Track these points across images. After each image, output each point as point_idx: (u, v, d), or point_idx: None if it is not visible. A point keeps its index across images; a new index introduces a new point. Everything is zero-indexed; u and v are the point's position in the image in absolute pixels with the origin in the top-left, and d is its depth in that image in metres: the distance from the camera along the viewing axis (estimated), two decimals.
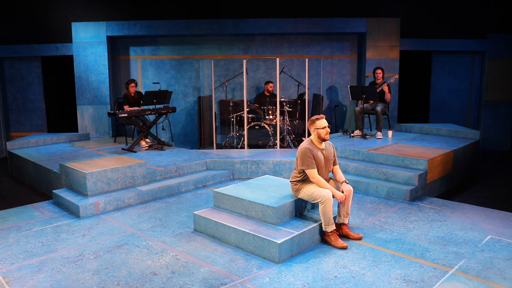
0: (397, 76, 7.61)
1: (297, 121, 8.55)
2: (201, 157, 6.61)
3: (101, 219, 4.69)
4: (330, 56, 9.47)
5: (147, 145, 7.31)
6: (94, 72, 9.11)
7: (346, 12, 9.00)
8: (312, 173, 3.90)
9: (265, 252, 3.62)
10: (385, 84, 7.37)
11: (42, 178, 6.31)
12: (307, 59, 7.69)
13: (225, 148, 8.12)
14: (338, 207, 4.06)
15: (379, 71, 7.50)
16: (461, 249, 3.78)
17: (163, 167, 5.97)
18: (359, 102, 7.53)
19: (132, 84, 7.55)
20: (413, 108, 9.67)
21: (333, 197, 3.87)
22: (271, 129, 8.00)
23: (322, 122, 3.96)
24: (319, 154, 3.97)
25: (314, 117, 4.00)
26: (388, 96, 7.48)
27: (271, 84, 8.55)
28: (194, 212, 4.31)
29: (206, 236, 4.13)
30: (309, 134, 4.08)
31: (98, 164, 5.46)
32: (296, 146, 7.71)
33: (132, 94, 7.60)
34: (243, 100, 7.81)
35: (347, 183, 4.03)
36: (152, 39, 9.49)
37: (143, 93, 7.34)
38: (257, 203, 4.00)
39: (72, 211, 4.87)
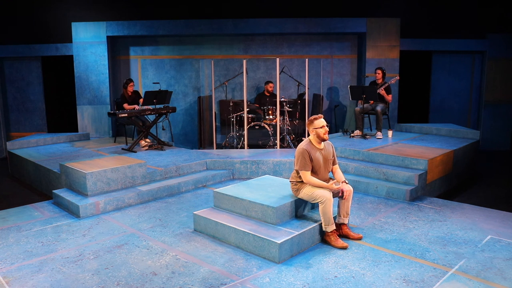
0: (397, 77, 7.60)
1: (297, 121, 8.55)
2: (201, 157, 6.61)
3: (101, 219, 4.69)
4: (330, 56, 9.47)
5: (147, 145, 7.31)
6: (94, 72, 9.11)
7: (346, 12, 9.00)
8: (305, 174, 3.90)
9: (265, 252, 3.62)
10: (382, 88, 7.35)
11: (42, 178, 6.31)
12: (307, 59, 7.69)
13: (225, 148, 8.12)
14: (338, 207, 4.06)
15: (379, 71, 7.50)
16: (461, 249, 3.78)
17: (163, 167, 5.97)
18: (359, 102, 7.53)
19: (131, 84, 7.60)
20: (413, 108, 9.67)
21: (333, 196, 3.87)
22: (271, 129, 8.00)
23: (321, 121, 3.96)
24: (318, 155, 3.97)
25: (312, 117, 4.00)
26: (388, 98, 7.46)
27: (271, 84, 8.55)
28: (194, 212, 4.31)
29: (206, 236, 4.13)
30: (309, 134, 4.07)
31: (98, 164, 5.46)
32: (296, 146, 7.70)
33: (130, 94, 7.63)
34: (243, 100, 7.81)
35: (346, 183, 4.03)
36: (152, 39, 9.49)
37: (143, 93, 7.35)
38: (257, 203, 4.00)
39: (72, 211, 4.87)
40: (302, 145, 3.97)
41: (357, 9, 9.01)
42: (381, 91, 7.35)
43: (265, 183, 4.65)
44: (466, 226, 4.34)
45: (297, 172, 3.99)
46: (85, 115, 9.25)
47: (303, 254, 3.72)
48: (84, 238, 4.16)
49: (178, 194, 5.64)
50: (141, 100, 7.65)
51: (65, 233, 4.28)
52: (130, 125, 8.08)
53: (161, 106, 7.40)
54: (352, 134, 7.49)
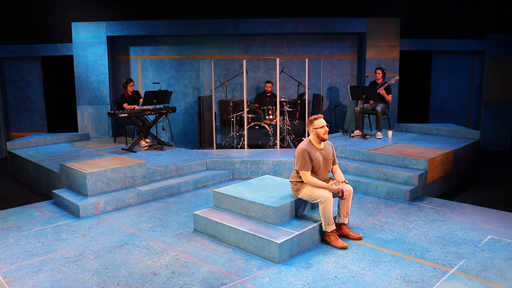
0: (397, 77, 7.60)
1: (297, 121, 8.55)
2: (201, 157, 6.61)
3: (101, 219, 4.69)
4: (330, 56, 9.47)
5: (147, 145, 7.31)
6: (94, 72, 9.11)
7: (346, 12, 8.99)
8: (305, 174, 3.90)
9: (265, 252, 3.62)
10: (382, 88, 7.35)
11: (42, 178, 6.31)
12: (307, 59, 7.69)
13: (225, 148, 8.12)
14: (338, 207, 4.06)
15: (379, 71, 7.50)
16: (461, 249, 3.78)
17: (163, 167, 5.97)
18: (359, 102, 7.53)
19: (131, 83, 7.60)
20: (413, 108, 9.67)
21: (333, 196, 3.87)
22: (271, 129, 8.00)
23: (321, 121, 3.95)
24: (318, 155, 3.97)
25: (312, 117, 4.00)
26: (388, 98, 7.46)
27: (267, 84, 8.56)
28: (194, 212, 4.31)
29: (206, 236, 4.13)
30: (309, 134, 4.07)
31: (98, 164, 5.46)
32: (296, 146, 7.70)
33: (130, 93, 7.63)
34: (243, 100, 7.81)
35: (346, 183, 4.03)
36: (152, 39, 9.49)
37: (143, 93, 7.36)
38: (257, 203, 4.00)
39: (72, 211, 4.87)
40: (302, 145, 3.97)
41: (357, 9, 9.01)
42: (381, 91, 7.35)
43: (265, 183, 4.65)
44: (466, 226, 4.34)
45: (297, 172, 3.99)
46: (85, 115, 9.25)
47: (303, 254, 3.72)
48: (84, 238, 4.16)
49: (178, 194, 5.64)
50: (141, 100, 7.65)
51: (65, 233, 4.28)
52: (130, 125, 8.08)
53: (161, 106, 7.40)
54: (352, 134, 7.49)
